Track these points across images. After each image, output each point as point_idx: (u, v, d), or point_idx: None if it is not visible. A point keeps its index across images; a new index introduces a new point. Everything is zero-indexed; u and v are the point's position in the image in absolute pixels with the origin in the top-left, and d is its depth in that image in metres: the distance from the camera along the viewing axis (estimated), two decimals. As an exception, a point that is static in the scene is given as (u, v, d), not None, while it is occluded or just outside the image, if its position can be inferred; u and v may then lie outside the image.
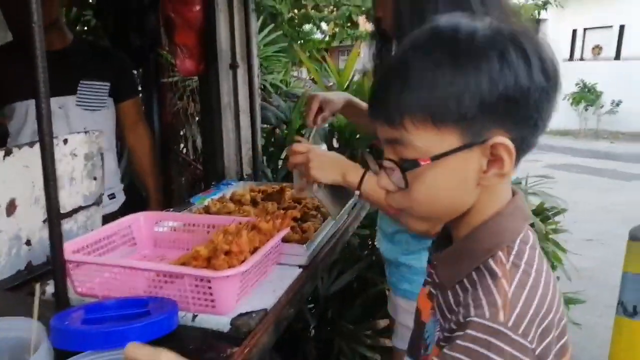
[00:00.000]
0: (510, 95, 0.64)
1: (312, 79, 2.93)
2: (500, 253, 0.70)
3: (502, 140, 0.66)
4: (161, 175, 2.83)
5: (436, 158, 0.67)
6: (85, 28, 3.64)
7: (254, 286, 1.18)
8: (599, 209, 6.53)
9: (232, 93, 2.11)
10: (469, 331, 0.62)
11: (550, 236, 2.26)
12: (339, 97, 1.59)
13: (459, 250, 0.74)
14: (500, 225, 0.72)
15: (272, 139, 2.52)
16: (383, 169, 0.72)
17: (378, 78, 0.74)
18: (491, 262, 0.69)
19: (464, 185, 0.70)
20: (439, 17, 0.71)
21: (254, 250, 1.13)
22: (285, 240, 1.39)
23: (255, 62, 2.14)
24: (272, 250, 1.23)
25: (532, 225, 2.26)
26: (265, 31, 4.01)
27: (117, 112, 2.08)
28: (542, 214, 2.30)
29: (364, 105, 1.58)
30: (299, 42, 5.24)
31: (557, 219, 2.41)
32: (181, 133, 3.48)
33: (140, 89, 2.94)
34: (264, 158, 2.40)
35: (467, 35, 0.66)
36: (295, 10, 5.26)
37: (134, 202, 2.15)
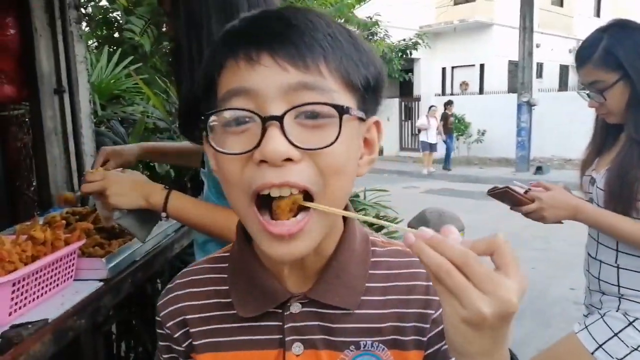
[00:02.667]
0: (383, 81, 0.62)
1: (153, 105, 2.93)
2: (372, 238, 0.69)
3: (378, 118, 0.63)
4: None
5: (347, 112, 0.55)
6: None
7: (39, 300, 1.15)
8: (466, 227, 7.13)
9: (58, 119, 2.06)
10: None
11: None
12: (130, 149, 1.58)
13: (340, 263, 0.64)
14: (354, 221, 0.68)
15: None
16: (279, 123, 0.53)
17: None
18: (378, 248, 0.68)
19: (356, 166, 0.61)
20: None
21: (33, 261, 1.11)
22: (90, 256, 1.37)
23: (82, 87, 2.11)
24: (61, 263, 1.21)
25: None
26: (124, 63, 3.97)
27: None
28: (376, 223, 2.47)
29: (167, 145, 1.63)
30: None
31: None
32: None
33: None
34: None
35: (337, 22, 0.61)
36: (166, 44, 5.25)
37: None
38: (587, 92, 1.53)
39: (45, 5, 2.03)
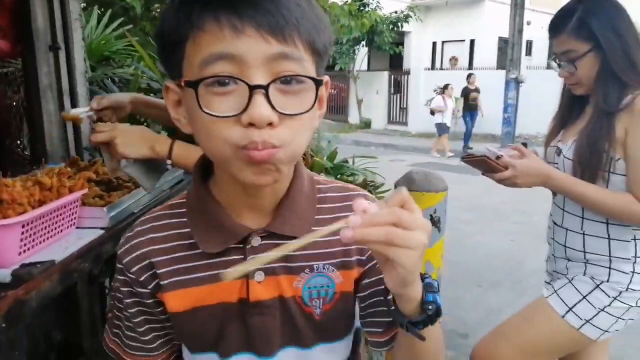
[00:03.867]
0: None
1: (146, 66, 2.93)
2: (316, 177, 0.80)
3: (327, 77, 0.70)
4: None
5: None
6: None
7: (45, 243, 1.21)
8: (450, 199, 7.27)
9: (53, 75, 2.08)
10: None
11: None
12: (124, 97, 1.61)
13: (293, 200, 0.74)
14: (301, 165, 0.78)
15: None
16: (265, 91, 0.60)
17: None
18: (322, 185, 0.80)
19: (314, 124, 0.69)
20: None
21: (40, 206, 1.16)
22: (90, 206, 1.43)
23: (77, 44, 2.13)
24: (66, 209, 1.27)
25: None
26: (114, 24, 3.93)
27: None
28: (365, 188, 2.58)
29: (152, 99, 1.65)
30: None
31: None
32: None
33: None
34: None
35: None
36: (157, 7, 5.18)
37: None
38: (559, 62, 1.57)
39: (40, -40, 2.03)
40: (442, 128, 11.37)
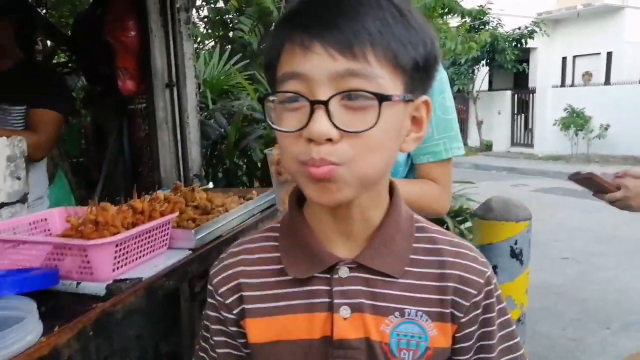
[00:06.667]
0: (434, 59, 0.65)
1: (252, 99, 3.16)
2: (416, 216, 0.73)
3: (427, 98, 0.66)
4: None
5: (388, 99, 0.59)
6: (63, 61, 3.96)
7: (137, 262, 1.36)
8: (578, 229, 6.63)
9: (168, 110, 2.33)
10: (492, 287, 0.70)
11: (466, 236, 2.42)
12: None
13: (387, 232, 0.68)
14: (400, 196, 0.72)
15: (215, 152, 2.74)
16: (325, 107, 0.58)
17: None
18: (423, 224, 0.72)
19: (397, 143, 0.65)
20: None
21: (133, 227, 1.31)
22: (184, 228, 1.58)
23: (190, 81, 2.37)
24: (157, 231, 1.41)
25: (444, 223, 2.42)
26: (234, 60, 4.29)
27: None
28: (460, 215, 2.47)
29: None
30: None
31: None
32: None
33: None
34: (205, 168, 2.61)
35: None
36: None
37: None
38: None
39: (160, 9, 2.32)
40: None
